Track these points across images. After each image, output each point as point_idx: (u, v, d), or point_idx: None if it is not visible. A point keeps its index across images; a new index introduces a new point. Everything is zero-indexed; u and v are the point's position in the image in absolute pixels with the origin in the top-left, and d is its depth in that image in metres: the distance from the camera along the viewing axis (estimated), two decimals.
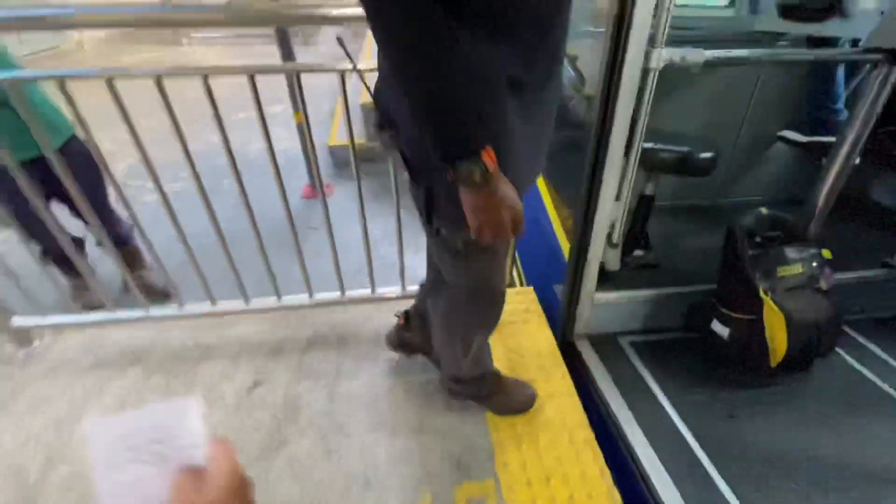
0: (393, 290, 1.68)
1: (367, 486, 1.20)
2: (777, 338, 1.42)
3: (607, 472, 1.23)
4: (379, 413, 1.37)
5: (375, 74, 0.83)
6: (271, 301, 1.61)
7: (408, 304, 1.72)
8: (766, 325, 1.43)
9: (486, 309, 1.10)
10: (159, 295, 1.95)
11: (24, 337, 1.57)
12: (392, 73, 0.64)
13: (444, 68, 0.60)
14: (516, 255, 2.17)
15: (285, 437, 1.31)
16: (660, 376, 1.56)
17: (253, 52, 7.91)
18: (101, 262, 1.93)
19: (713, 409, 1.45)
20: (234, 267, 1.52)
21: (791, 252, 1.49)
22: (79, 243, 1.96)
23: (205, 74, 1.12)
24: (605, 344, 1.68)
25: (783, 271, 1.47)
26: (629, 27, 1.10)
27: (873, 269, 1.75)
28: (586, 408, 1.42)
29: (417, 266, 2.20)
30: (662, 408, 1.46)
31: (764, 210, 1.52)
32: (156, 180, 1.31)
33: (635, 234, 1.78)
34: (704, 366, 1.58)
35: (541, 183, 2.06)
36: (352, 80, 1.36)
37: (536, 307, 1.77)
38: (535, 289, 1.88)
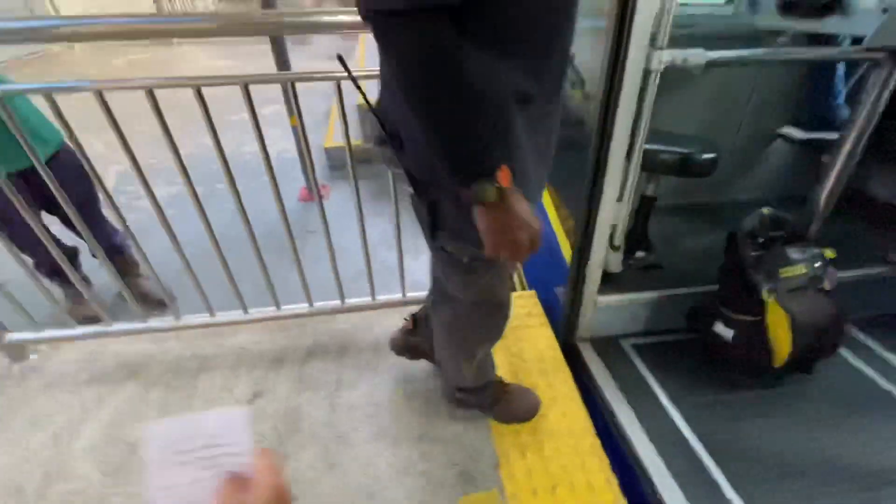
0: (394, 296, 1.66)
1: (370, 499, 1.19)
2: (780, 339, 1.41)
3: (614, 479, 1.22)
4: (381, 423, 1.36)
5: (372, 82, 0.81)
6: (270, 310, 1.59)
7: (409, 310, 1.71)
8: (769, 326, 1.42)
9: (491, 321, 1.09)
10: (156, 304, 1.93)
11: (19, 352, 1.54)
12: (403, 96, 0.62)
13: (456, 91, 0.59)
14: None
15: (287, 450, 1.29)
16: (662, 378, 1.55)
17: (245, 52, 7.83)
18: (97, 272, 1.90)
19: (716, 411, 1.44)
20: (231, 278, 1.50)
21: (793, 252, 1.48)
22: (72, 254, 1.93)
23: (197, 85, 1.10)
24: (608, 346, 1.67)
25: (786, 272, 1.46)
26: (630, 28, 1.08)
27: (874, 266, 1.74)
28: (590, 412, 1.42)
29: (417, 270, 2.19)
30: (666, 410, 1.45)
31: (766, 210, 1.51)
32: (148, 190, 1.28)
33: (637, 235, 1.77)
34: (707, 367, 1.57)
35: None
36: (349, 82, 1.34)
37: (538, 310, 1.76)
38: (535, 290, 1.87)
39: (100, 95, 1.08)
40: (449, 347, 1.17)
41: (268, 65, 2.74)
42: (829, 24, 1.67)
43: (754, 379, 1.51)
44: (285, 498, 0.39)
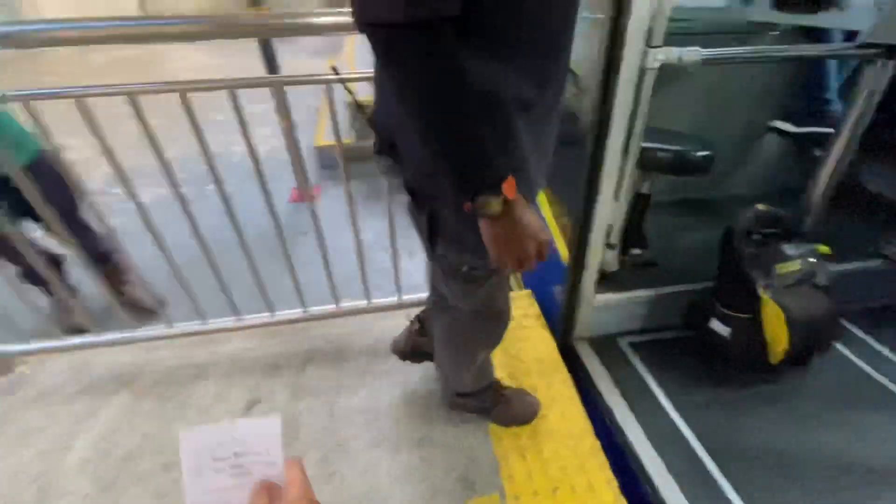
0: (389, 299, 1.64)
1: None
2: (777, 336, 1.42)
3: (614, 480, 1.22)
4: (380, 429, 1.35)
5: (363, 84, 0.79)
6: (264, 316, 1.57)
7: (405, 312, 1.69)
8: (765, 323, 1.43)
9: (491, 328, 1.08)
10: (147, 312, 1.89)
11: (6, 365, 1.51)
12: (402, 109, 0.60)
13: (458, 104, 0.57)
14: None
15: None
16: (660, 377, 1.55)
17: (234, 48, 7.70)
18: (87, 279, 1.86)
19: (714, 409, 1.45)
20: (222, 283, 1.47)
21: (789, 249, 1.48)
22: (57, 262, 1.89)
23: (182, 90, 1.06)
24: (605, 346, 1.67)
25: (781, 268, 1.46)
26: (626, 27, 1.07)
27: (868, 259, 1.75)
28: (588, 412, 1.41)
29: (412, 271, 2.17)
30: (664, 409, 1.46)
31: (761, 206, 1.51)
32: (132, 196, 1.25)
33: (632, 232, 1.76)
34: (704, 364, 1.57)
35: None
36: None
37: (535, 310, 1.75)
38: (532, 290, 1.86)
39: (80, 103, 1.04)
40: (448, 353, 1.16)
41: (256, 61, 2.70)
42: (823, 19, 1.66)
43: (751, 375, 1.52)
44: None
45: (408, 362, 1.43)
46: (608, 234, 1.47)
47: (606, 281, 1.60)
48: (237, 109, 1.12)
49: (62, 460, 1.29)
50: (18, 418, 1.40)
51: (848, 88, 1.92)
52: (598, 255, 1.47)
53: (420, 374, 1.49)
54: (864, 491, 1.21)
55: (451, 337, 1.11)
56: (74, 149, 1.86)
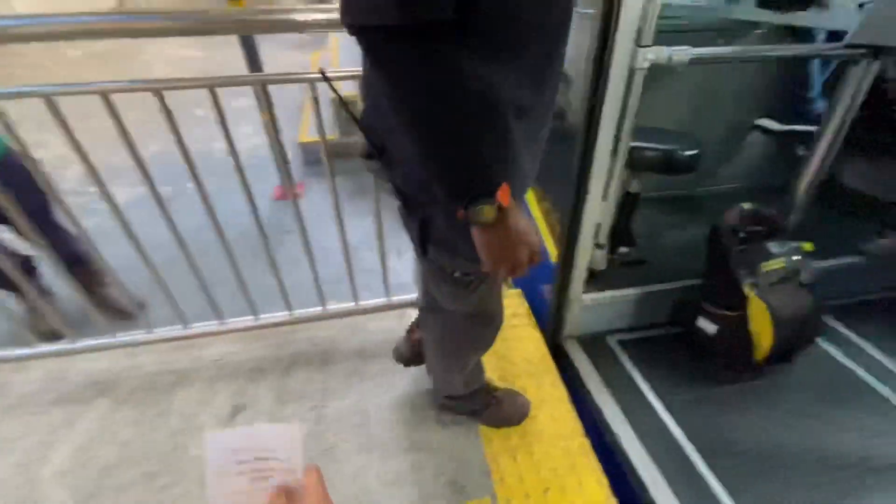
0: (377, 300, 1.62)
1: None
2: (762, 333, 1.44)
3: (605, 480, 1.23)
4: (369, 434, 1.33)
5: (348, 84, 0.76)
6: (248, 320, 1.53)
7: (393, 313, 1.67)
8: (751, 321, 1.44)
9: (483, 332, 1.07)
10: (125, 315, 1.83)
11: None
12: (394, 114, 0.58)
13: (453, 111, 0.55)
14: None
15: None
16: (648, 374, 1.56)
17: (213, 41, 7.51)
18: (60, 283, 1.79)
19: (701, 406, 1.46)
20: (204, 285, 1.43)
21: (774, 247, 1.50)
22: (29, 265, 1.81)
23: (159, 89, 1.02)
24: (594, 344, 1.67)
25: (767, 266, 1.48)
26: (616, 27, 1.05)
27: (848, 256, 1.78)
28: (578, 410, 1.42)
29: (401, 270, 2.15)
30: (652, 407, 1.47)
31: (746, 205, 1.52)
32: (108, 197, 1.20)
33: (620, 230, 1.76)
34: (691, 362, 1.59)
35: None
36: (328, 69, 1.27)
37: (525, 310, 1.74)
38: (521, 289, 1.85)
39: (49, 102, 0.99)
40: (439, 357, 1.15)
41: (237, 54, 2.62)
42: (807, 18, 1.68)
43: (737, 372, 1.53)
44: None
45: (399, 365, 1.42)
46: (597, 234, 1.47)
47: (595, 279, 1.60)
48: (218, 109, 1.08)
49: (39, 472, 1.25)
50: None
51: (830, 87, 1.95)
52: (587, 255, 1.46)
53: (409, 377, 1.47)
54: (846, 484, 1.24)
55: (443, 341, 1.09)
56: (47, 146, 1.78)
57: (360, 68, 0.87)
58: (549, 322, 1.64)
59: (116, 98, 1.07)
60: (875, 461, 1.29)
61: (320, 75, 0.79)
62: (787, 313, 1.43)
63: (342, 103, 0.73)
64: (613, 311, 1.68)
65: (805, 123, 1.93)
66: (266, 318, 1.55)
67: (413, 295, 1.65)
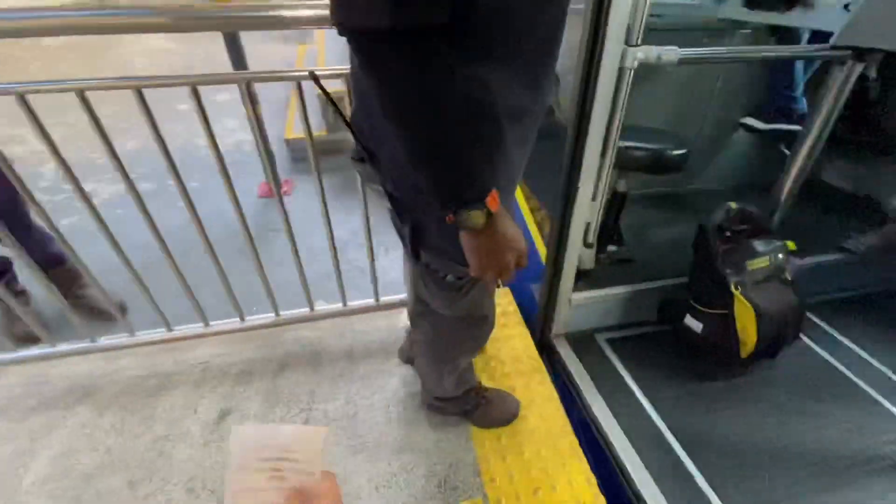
0: (366, 301, 1.60)
1: None
2: (748, 331, 1.46)
3: (593, 479, 1.24)
4: (359, 436, 1.32)
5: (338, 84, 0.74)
6: (234, 322, 1.51)
7: (382, 314, 1.66)
8: (736, 319, 1.46)
9: (475, 334, 1.06)
10: (106, 317, 1.79)
11: None
12: (385, 119, 0.57)
13: (445, 118, 0.54)
14: None
15: None
16: (636, 372, 1.58)
17: (198, 33, 7.33)
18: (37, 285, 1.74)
19: (688, 403, 1.48)
20: (187, 286, 1.40)
21: (759, 245, 1.52)
22: (2, 267, 1.75)
23: (138, 87, 0.98)
24: (582, 342, 1.68)
25: (752, 265, 1.50)
26: (606, 27, 1.05)
27: (829, 253, 1.82)
28: (567, 409, 1.42)
29: (389, 268, 2.13)
30: (640, 404, 1.48)
31: (733, 204, 1.54)
32: (84, 196, 1.16)
33: (608, 229, 1.77)
34: (678, 359, 1.61)
35: None
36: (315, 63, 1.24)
37: (514, 309, 1.74)
38: (510, 288, 1.85)
39: (22, 100, 0.95)
40: (430, 359, 1.14)
41: (220, 47, 2.55)
42: (792, 18, 1.70)
43: (722, 369, 1.56)
44: None
45: (390, 364, 1.41)
46: (586, 233, 1.47)
47: (583, 278, 1.61)
48: (200, 107, 1.04)
49: (19, 481, 1.21)
50: None
51: (813, 86, 1.98)
52: (576, 255, 1.46)
53: (399, 378, 1.46)
54: (827, 477, 1.27)
55: (435, 343, 1.08)
56: (24, 141, 1.72)
57: (349, 65, 0.85)
58: (539, 321, 1.64)
59: (96, 91, 1.04)
60: (856, 454, 1.32)
61: (306, 73, 0.77)
62: (772, 311, 1.46)
63: (332, 104, 0.71)
64: (602, 309, 1.69)
65: (789, 122, 1.95)
66: (252, 320, 1.52)
67: (402, 295, 1.64)
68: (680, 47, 1.19)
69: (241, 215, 1.31)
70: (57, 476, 1.22)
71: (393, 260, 2.31)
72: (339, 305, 1.57)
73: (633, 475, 1.28)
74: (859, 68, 1.32)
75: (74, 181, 1.11)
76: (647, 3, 1.04)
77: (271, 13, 0.95)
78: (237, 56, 2.10)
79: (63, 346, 1.42)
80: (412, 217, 0.74)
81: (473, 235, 0.63)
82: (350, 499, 1.18)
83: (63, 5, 0.93)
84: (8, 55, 5.66)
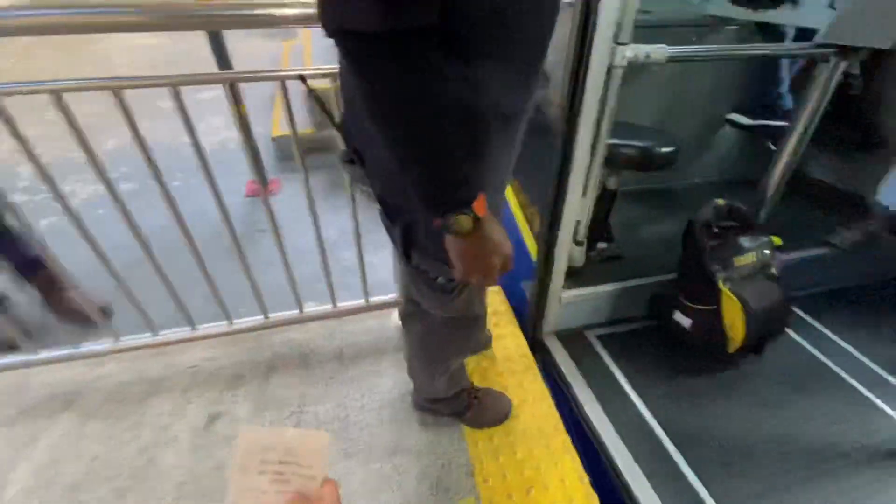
0: (356, 302, 1.59)
1: None
2: (735, 326, 1.47)
3: (586, 476, 1.24)
4: (351, 438, 1.31)
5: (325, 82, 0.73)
6: (221, 325, 1.48)
7: (372, 315, 1.64)
8: (724, 314, 1.48)
9: (467, 334, 1.06)
10: (89, 322, 1.75)
11: None
12: (373, 123, 0.56)
13: (434, 122, 0.53)
14: None
15: None
16: (626, 368, 1.59)
17: None
18: (17, 290, 1.69)
19: (677, 398, 1.50)
20: (172, 290, 1.37)
21: (745, 241, 1.54)
22: None
23: (118, 88, 0.95)
24: (573, 339, 1.69)
25: (739, 261, 1.51)
26: (595, 25, 1.04)
27: (815, 248, 1.85)
28: (558, 405, 1.43)
29: (379, 267, 2.11)
30: (630, 399, 1.49)
31: (720, 201, 1.55)
32: (60, 197, 1.12)
33: (598, 226, 1.77)
34: (667, 354, 1.62)
35: None
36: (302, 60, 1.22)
37: (505, 307, 1.74)
38: (500, 286, 1.85)
39: None
40: (423, 361, 1.13)
41: (202, 42, 2.49)
42: (779, 15, 1.71)
43: (711, 364, 1.58)
44: None
45: (381, 366, 1.40)
46: (576, 231, 1.48)
47: (574, 275, 1.61)
48: (182, 109, 1.02)
49: (0, 493, 1.18)
50: None
51: (798, 81, 2.00)
52: (566, 253, 1.47)
53: (390, 380, 1.45)
54: (814, 468, 1.29)
55: (426, 344, 1.08)
56: None
57: (337, 65, 0.83)
58: (530, 319, 1.64)
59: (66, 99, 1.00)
60: (841, 446, 1.34)
61: (291, 73, 0.75)
62: (759, 306, 1.48)
63: (321, 107, 0.69)
64: (592, 306, 1.70)
65: (774, 118, 1.97)
66: (240, 323, 1.50)
67: (392, 294, 1.62)
68: (668, 44, 1.19)
69: (225, 214, 1.29)
70: (40, 487, 1.19)
71: (382, 259, 2.29)
72: (329, 307, 1.56)
73: (623, 471, 1.29)
74: (844, 65, 1.33)
75: (50, 182, 1.08)
76: (636, 1, 1.04)
77: (256, 12, 0.92)
78: (221, 53, 2.05)
79: (44, 353, 1.39)
80: (403, 219, 0.73)
81: (459, 240, 0.63)
82: (343, 503, 1.17)
83: (35, 3, 0.89)
84: None
